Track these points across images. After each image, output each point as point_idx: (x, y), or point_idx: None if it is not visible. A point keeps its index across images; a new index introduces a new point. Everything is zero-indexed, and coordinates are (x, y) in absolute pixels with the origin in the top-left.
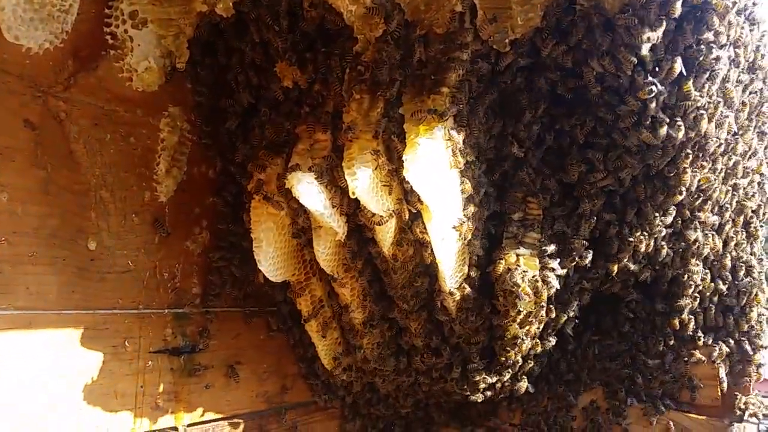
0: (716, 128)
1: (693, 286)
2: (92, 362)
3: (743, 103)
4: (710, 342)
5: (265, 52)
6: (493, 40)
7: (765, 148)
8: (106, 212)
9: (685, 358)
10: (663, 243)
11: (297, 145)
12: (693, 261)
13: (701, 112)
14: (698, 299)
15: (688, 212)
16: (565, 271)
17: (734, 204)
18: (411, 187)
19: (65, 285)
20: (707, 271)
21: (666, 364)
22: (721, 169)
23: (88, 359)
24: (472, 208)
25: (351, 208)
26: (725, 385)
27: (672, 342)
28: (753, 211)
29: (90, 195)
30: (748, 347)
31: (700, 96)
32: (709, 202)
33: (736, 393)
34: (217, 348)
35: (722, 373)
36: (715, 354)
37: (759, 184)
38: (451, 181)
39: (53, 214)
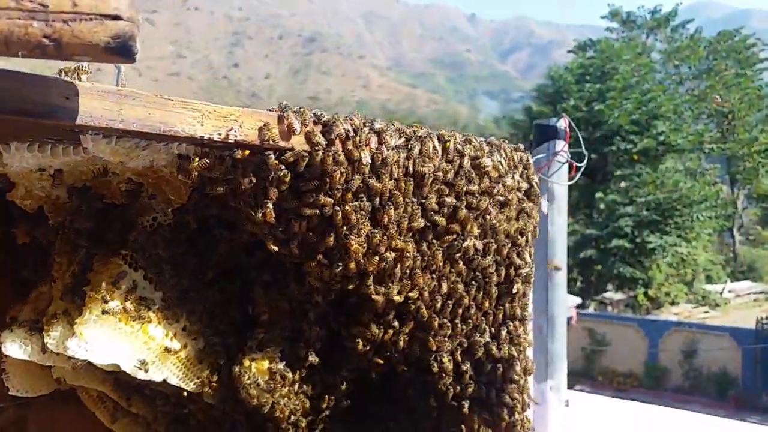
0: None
1: (440, 367)
2: None
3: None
4: (476, 411)
5: None
6: (158, 208)
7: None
8: None
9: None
10: (397, 336)
11: (32, 293)
12: (432, 345)
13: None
14: (453, 376)
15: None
16: (293, 373)
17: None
18: None
19: None
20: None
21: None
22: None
23: None
24: (184, 338)
25: None
26: None
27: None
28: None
29: None
30: (506, 416)
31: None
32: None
33: None
34: None
35: None
36: (476, 423)
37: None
38: (132, 333)
39: None
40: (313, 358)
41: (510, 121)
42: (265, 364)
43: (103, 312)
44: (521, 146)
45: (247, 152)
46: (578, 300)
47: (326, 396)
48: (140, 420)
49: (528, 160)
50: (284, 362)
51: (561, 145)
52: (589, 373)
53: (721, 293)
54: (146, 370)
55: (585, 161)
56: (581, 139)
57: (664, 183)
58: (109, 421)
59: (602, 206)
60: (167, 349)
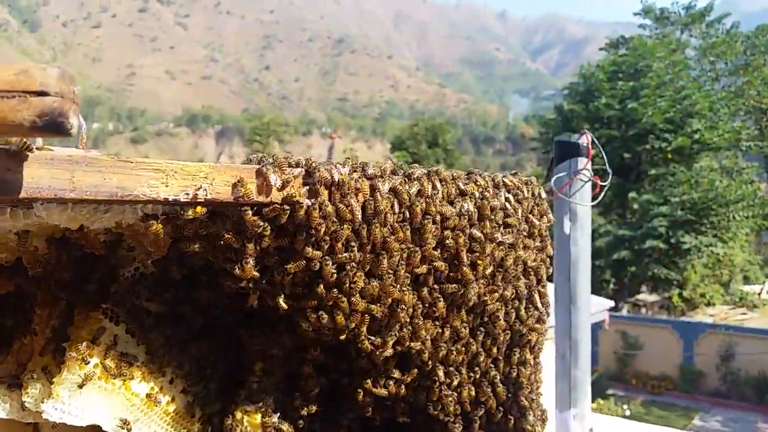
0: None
1: (447, 417)
2: None
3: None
4: None
5: None
6: (139, 259)
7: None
8: None
9: None
10: (400, 387)
11: (14, 343)
12: (438, 394)
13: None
14: (462, 426)
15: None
16: (289, 424)
17: (481, 338)
18: None
19: None
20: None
21: None
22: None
23: None
24: (171, 390)
25: None
26: None
27: None
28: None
29: None
30: None
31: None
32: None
33: None
34: None
35: None
36: None
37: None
38: (113, 391)
39: None
40: (310, 409)
41: (540, 120)
42: (258, 417)
43: (81, 384)
44: (533, 179)
45: (199, 210)
46: (611, 303)
47: None
48: None
49: (540, 194)
50: (279, 414)
51: (583, 163)
52: (623, 376)
53: (759, 294)
54: (129, 429)
55: (609, 180)
56: (605, 156)
57: (699, 182)
58: None
59: (636, 206)
60: (153, 404)
